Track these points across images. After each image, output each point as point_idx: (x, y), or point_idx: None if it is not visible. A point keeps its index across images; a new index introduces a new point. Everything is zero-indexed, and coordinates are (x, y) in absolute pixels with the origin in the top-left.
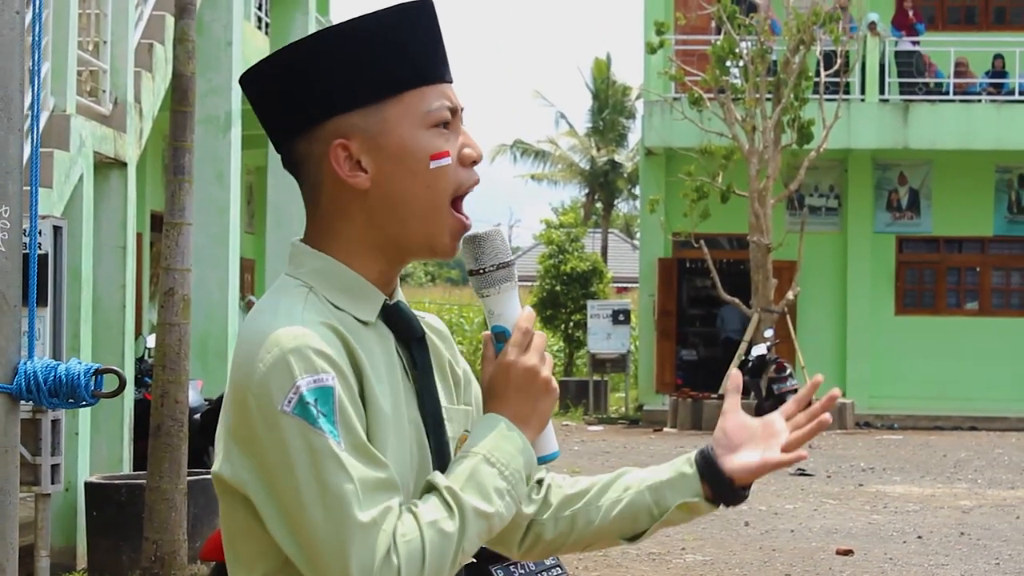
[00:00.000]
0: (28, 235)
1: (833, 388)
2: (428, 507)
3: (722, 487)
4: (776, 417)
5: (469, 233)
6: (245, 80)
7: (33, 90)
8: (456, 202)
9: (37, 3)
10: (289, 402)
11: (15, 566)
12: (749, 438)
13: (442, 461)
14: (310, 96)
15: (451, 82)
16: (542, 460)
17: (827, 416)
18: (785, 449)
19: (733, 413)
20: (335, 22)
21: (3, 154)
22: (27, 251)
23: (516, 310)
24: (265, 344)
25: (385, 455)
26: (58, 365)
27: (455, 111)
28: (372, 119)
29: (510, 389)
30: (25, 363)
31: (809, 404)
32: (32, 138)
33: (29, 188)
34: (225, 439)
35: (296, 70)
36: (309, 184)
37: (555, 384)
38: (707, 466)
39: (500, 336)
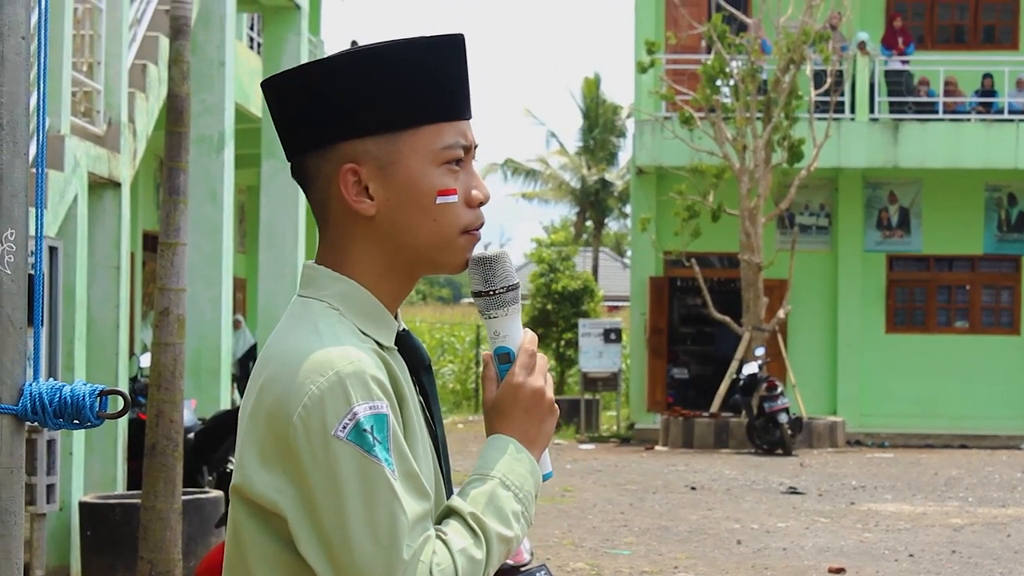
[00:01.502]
0: (34, 256)
1: None
2: (456, 534)
3: None
4: None
5: (477, 255)
6: (267, 86)
7: (39, 113)
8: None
9: (43, 29)
10: (344, 428)
11: None
12: None
13: (449, 488)
14: (328, 115)
15: (470, 118)
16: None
17: None
18: None
19: None
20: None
21: (9, 177)
22: (32, 272)
23: (520, 332)
24: (317, 366)
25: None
26: (63, 386)
27: (469, 149)
28: (386, 148)
29: (518, 411)
30: (31, 384)
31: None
32: (38, 160)
33: (38, 208)
34: (252, 454)
35: (318, 87)
36: (317, 201)
37: (556, 406)
38: None
39: (504, 357)
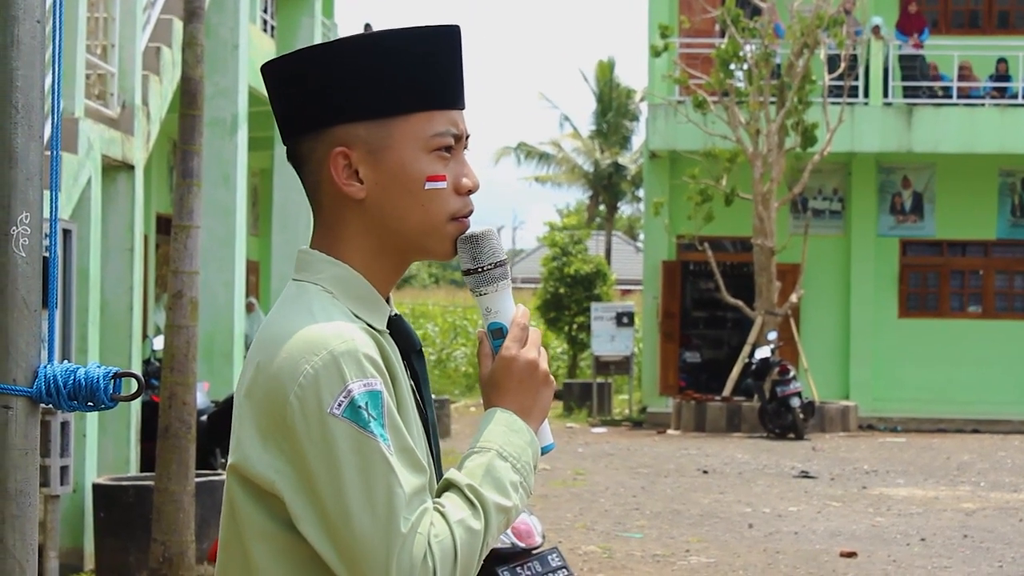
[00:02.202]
0: (48, 239)
1: None
2: (454, 506)
3: None
4: None
5: (464, 234)
6: (267, 68)
7: (53, 96)
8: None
9: (58, 12)
10: (339, 405)
11: (35, 567)
12: None
13: (439, 469)
14: (322, 99)
15: (463, 108)
16: (540, 452)
17: None
18: None
19: None
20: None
21: (24, 160)
22: (47, 255)
23: (511, 307)
24: (311, 345)
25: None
26: (77, 369)
27: (460, 138)
28: (377, 133)
29: (513, 383)
30: (45, 367)
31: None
32: (53, 143)
33: (53, 191)
34: (250, 434)
35: (314, 71)
36: (309, 184)
37: (552, 377)
38: None
39: (497, 332)
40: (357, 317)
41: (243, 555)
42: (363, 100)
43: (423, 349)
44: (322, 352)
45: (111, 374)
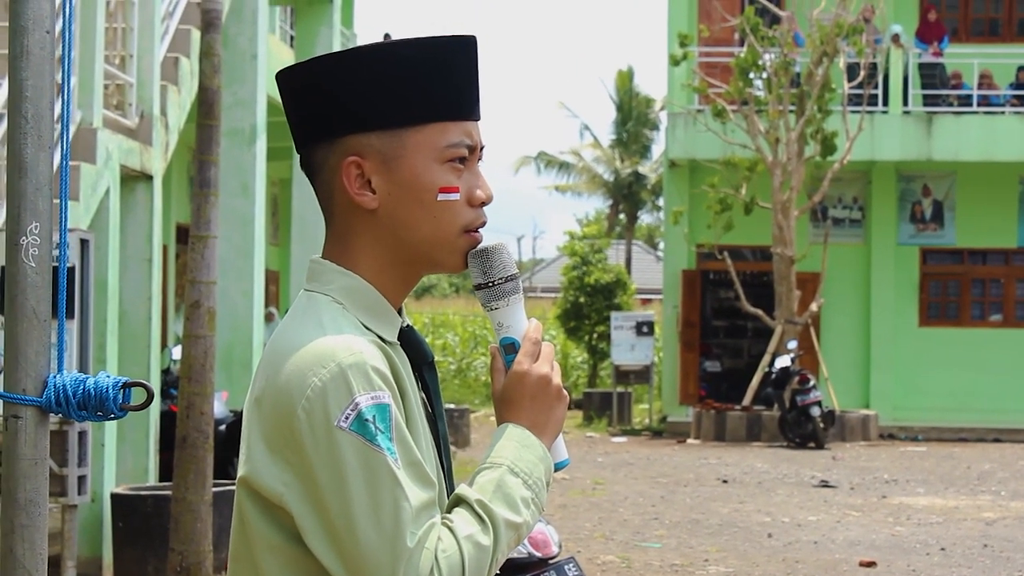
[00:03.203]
0: (59, 248)
1: None
2: (463, 522)
3: None
4: None
5: (475, 248)
6: (281, 76)
7: (63, 103)
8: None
9: (68, 20)
10: (347, 418)
11: (44, 575)
12: None
13: (451, 483)
14: (335, 108)
15: (478, 120)
16: (554, 468)
17: None
18: None
19: None
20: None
21: (34, 171)
22: (56, 264)
23: (523, 321)
24: (320, 358)
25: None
26: (87, 378)
27: (474, 149)
28: (390, 143)
29: (525, 398)
30: (55, 376)
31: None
32: (62, 150)
33: (59, 201)
34: (258, 447)
35: (328, 80)
36: (322, 192)
37: (566, 392)
38: None
39: (510, 348)
40: (367, 328)
41: (253, 567)
42: (376, 110)
43: (438, 360)
44: (330, 365)
45: (120, 384)
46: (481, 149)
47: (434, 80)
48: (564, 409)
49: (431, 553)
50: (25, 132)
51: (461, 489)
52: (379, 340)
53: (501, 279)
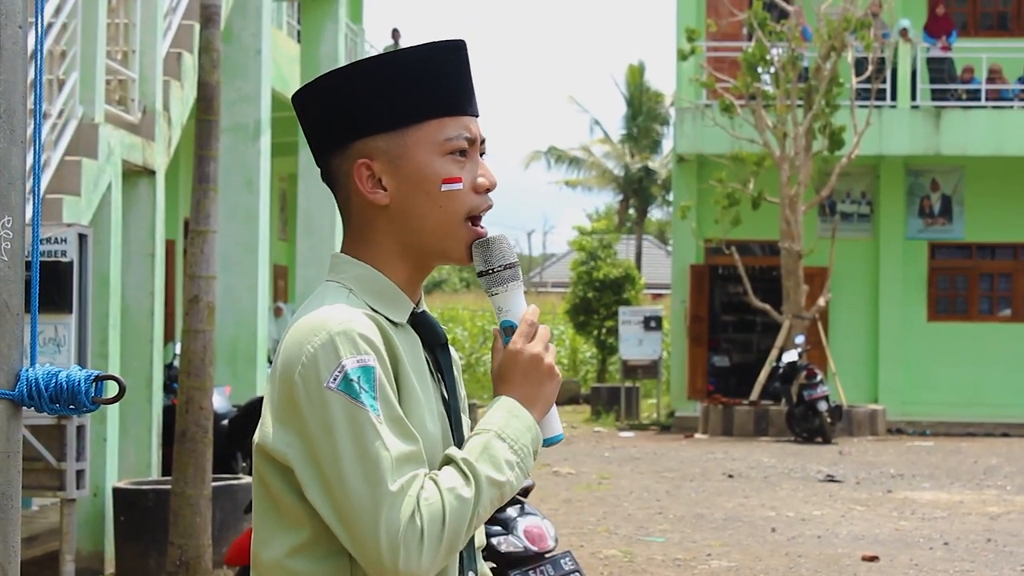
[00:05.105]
0: (32, 243)
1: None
2: (447, 476)
3: None
4: None
5: (478, 239)
6: (295, 99)
7: (35, 98)
8: (473, 219)
9: (40, 14)
10: (335, 379)
11: (16, 570)
12: None
13: None
14: (342, 118)
15: (476, 116)
16: (548, 442)
17: None
18: None
19: None
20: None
21: (6, 165)
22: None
23: (522, 306)
24: (314, 328)
25: (419, 433)
26: (59, 372)
27: (474, 141)
28: (394, 143)
29: (518, 374)
30: (27, 370)
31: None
32: (35, 147)
33: (35, 197)
34: (268, 413)
35: (332, 94)
36: (341, 198)
37: (558, 371)
38: None
39: (508, 330)
40: (375, 311)
41: (263, 522)
42: (379, 114)
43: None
44: (322, 333)
45: (92, 377)
46: (482, 142)
47: (427, 82)
48: (555, 386)
49: (413, 500)
50: None
51: (450, 450)
52: (387, 321)
53: (501, 266)
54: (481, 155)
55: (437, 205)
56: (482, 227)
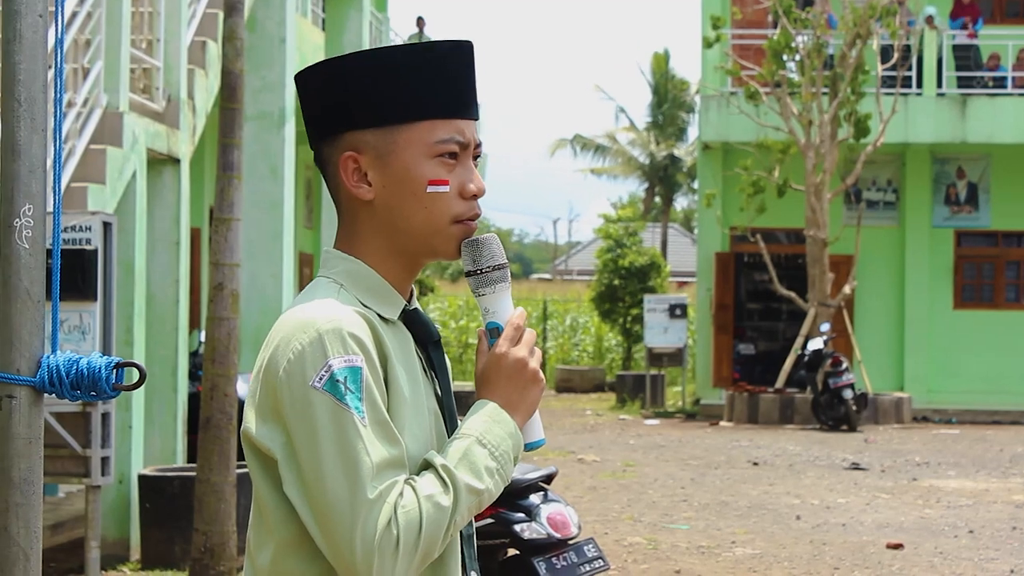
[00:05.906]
0: (54, 231)
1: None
2: (426, 482)
3: None
4: None
5: (467, 238)
6: (297, 79)
7: (56, 87)
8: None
9: (60, 2)
10: (320, 379)
11: (38, 555)
12: None
13: None
14: (335, 108)
15: (473, 119)
16: (529, 447)
17: None
18: None
19: None
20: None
21: (27, 153)
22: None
23: (509, 308)
24: (303, 325)
25: (403, 434)
26: (80, 359)
27: (467, 146)
28: (383, 139)
29: (501, 378)
30: (48, 357)
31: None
32: (55, 136)
33: (56, 184)
34: (253, 407)
35: (331, 81)
36: (331, 186)
37: (542, 376)
38: None
39: (494, 332)
40: (366, 307)
41: (259, 518)
42: (371, 109)
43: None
44: (310, 331)
45: (113, 364)
46: (477, 146)
47: (425, 82)
48: (538, 392)
49: (390, 507)
50: (18, 115)
51: (429, 455)
52: (377, 317)
53: (489, 267)
54: (475, 158)
55: (422, 206)
56: (473, 223)
